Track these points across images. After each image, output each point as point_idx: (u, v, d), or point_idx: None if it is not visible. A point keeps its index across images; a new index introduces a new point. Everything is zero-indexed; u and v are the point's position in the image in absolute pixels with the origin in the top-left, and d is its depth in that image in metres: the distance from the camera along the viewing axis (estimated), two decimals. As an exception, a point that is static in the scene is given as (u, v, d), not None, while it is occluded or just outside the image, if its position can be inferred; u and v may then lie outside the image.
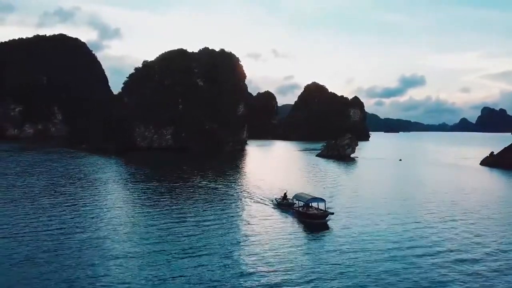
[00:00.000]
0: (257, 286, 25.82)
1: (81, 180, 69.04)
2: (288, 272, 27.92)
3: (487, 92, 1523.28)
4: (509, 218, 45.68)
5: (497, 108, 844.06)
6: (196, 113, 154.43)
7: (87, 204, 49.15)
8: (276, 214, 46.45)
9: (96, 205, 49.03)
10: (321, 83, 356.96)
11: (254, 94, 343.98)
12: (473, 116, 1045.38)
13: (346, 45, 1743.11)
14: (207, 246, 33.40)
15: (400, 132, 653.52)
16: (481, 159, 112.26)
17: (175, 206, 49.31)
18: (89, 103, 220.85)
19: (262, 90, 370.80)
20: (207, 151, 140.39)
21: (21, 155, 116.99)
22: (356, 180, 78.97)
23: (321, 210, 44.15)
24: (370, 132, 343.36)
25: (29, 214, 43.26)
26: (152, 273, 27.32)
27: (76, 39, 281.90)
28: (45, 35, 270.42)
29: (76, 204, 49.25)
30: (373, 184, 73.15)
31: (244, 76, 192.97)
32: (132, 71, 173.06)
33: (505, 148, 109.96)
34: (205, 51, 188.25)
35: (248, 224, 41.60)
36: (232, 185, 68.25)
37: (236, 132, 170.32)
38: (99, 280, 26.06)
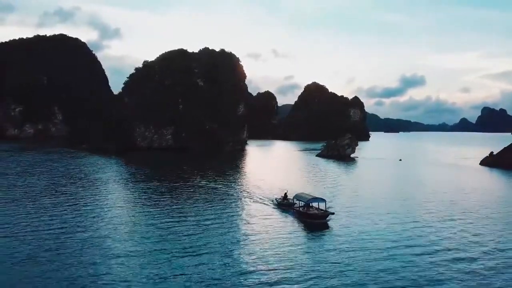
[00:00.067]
0: (257, 284, 26.06)
1: (82, 180, 69.27)
2: (288, 271, 28.16)
3: (487, 92, 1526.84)
4: (508, 217, 45.93)
5: (497, 108, 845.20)
6: (196, 113, 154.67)
7: (88, 204, 49.40)
8: (276, 214, 46.66)
9: (97, 204, 49.27)
10: (321, 83, 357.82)
11: (254, 94, 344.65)
12: (473, 116, 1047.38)
13: (346, 45, 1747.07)
14: (208, 245, 33.63)
15: (400, 132, 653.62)
16: (481, 159, 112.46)
17: (176, 205, 49.54)
18: (89, 103, 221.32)
19: (262, 90, 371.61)
20: (207, 151, 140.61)
21: (22, 155, 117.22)
22: (356, 180, 79.18)
23: (321, 210, 44.33)
24: (370, 132, 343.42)
25: (31, 213, 43.51)
26: (153, 271, 27.57)
27: (76, 39, 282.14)
28: (45, 35, 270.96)
29: (77, 203, 49.49)
30: (373, 184, 73.36)
31: (244, 76, 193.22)
32: (132, 71, 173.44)
33: (504, 148, 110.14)
34: (205, 51, 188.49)
35: (249, 223, 41.83)
36: (232, 185, 68.46)
37: (236, 132, 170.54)
38: (100, 279, 26.31)
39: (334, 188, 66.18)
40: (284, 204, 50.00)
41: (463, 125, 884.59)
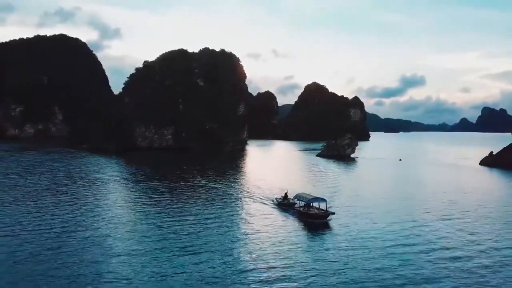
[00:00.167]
0: (257, 282, 26.36)
1: (83, 180, 69.54)
2: (289, 269, 28.46)
3: (487, 92, 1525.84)
4: (506, 217, 46.22)
5: (498, 108, 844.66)
6: (197, 113, 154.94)
7: (89, 203, 49.68)
8: (277, 214, 46.93)
9: (97, 204, 49.55)
10: (321, 83, 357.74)
11: (254, 94, 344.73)
12: (473, 116, 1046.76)
13: (346, 45, 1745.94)
14: (208, 244, 33.92)
15: (400, 132, 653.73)
16: (481, 159, 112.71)
17: (176, 205, 49.83)
18: (89, 103, 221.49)
19: (262, 90, 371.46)
20: (207, 151, 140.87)
21: (22, 155, 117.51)
22: (356, 180, 79.44)
23: (322, 210, 44.59)
24: (370, 132, 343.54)
25: (32, 213, 43.79)
26: (155, 270, 27.87)
27: (77, 39, 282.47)
28: (46, 35, 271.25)
29: (78, 203, 49.77)
30: (373, 184, 73.65)
31: (244, 76, 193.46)
32: (132, 71, 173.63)
33: (504, 148, 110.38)
34: (206, 51, 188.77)
35: (249, 223, 42.11)
36: (233, 185, 68.73)
37: (236, 132, 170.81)
38: (102, 277, 26.61)
39: (334, 188, 66.42)
40: (284, 204, 50.26)
41: (463, 125, 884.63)
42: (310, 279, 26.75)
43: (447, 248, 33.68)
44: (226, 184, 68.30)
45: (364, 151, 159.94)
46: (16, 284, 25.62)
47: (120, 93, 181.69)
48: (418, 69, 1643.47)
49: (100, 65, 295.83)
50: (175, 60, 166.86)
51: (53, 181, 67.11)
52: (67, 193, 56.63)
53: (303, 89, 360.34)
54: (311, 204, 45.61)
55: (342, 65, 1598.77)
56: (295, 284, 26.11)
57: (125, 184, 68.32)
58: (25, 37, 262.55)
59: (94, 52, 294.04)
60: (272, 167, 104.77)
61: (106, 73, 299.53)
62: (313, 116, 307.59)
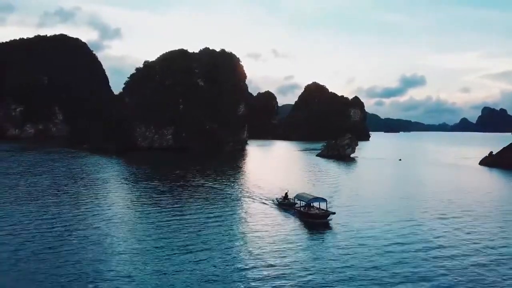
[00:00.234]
0: (257, 280, 26.54)
1: (83, 180, 69.72)
2: (288, 267, 28.64)
3: (487, 92, 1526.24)
4: (504, 216, 46.42)
5: (498, 108, 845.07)
6: (197, 113, 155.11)
7: (90, 203, 49.84)
8: (277, 214, 47.09)
9: (98, 203, 49.72)
10: (321, 83, 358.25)
11: (254, 94, 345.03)
12: (473, 116, 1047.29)
13: (346, 45, 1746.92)
14: (208, 243, 34.10)
15: (400, 132, 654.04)
16: (481, 159, 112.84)
17: (176, 205, 50.00)
18: (89, 103, 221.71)
19: (262, 90, 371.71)
20: (207, 151, 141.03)
21: (23, 155, 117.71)
22: (356, 180, 79.57)
23: (322, 209, 44.70)
24: (370, 132, 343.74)
25: (33, 212, 43.98)
26: (155, 268, 28.06)
27: (77, 39, 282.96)
28: (46, 35, 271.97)
29: (79, 202, 49.96)
30: (373, 184, 73.81)
31: (245, 76, 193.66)
32: (133, 71, 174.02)
33: (504, 148, 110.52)
34: (206, 51, 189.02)
35: (249, 222, 42.29)
36: (233, 185, 68.87)
37: (236, 132, 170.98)
38: (104, 275, 26.80)
39: (335, 188, 66.57)
40: (285, 204, 50.39)
41: (464, 125, 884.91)
42: (309, 277, 26.94)
43: (446, 247, 33.89)
44: (226, 184, 68.45)
45: (364, 151, 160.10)
46: (19, 282, 25.82)
47: (120, 93, 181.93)
48: (418, 69, 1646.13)
49: (100, 65, 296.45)
50: (175, 60, 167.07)
51: (53, 181, 67.28)
52: (68, 192, 56.81)
53: (303, 89, 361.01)
54: (312, 204, 45.72)
55: (342, 65, 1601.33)
56: (295, 282, 26.28)
57: (126, 184, 68.48)
58: (25, 37, 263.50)
59: (94, 52, 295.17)
60: (272, 167, 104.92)
61: (106, 73, 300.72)
62: (313, 116, 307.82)
